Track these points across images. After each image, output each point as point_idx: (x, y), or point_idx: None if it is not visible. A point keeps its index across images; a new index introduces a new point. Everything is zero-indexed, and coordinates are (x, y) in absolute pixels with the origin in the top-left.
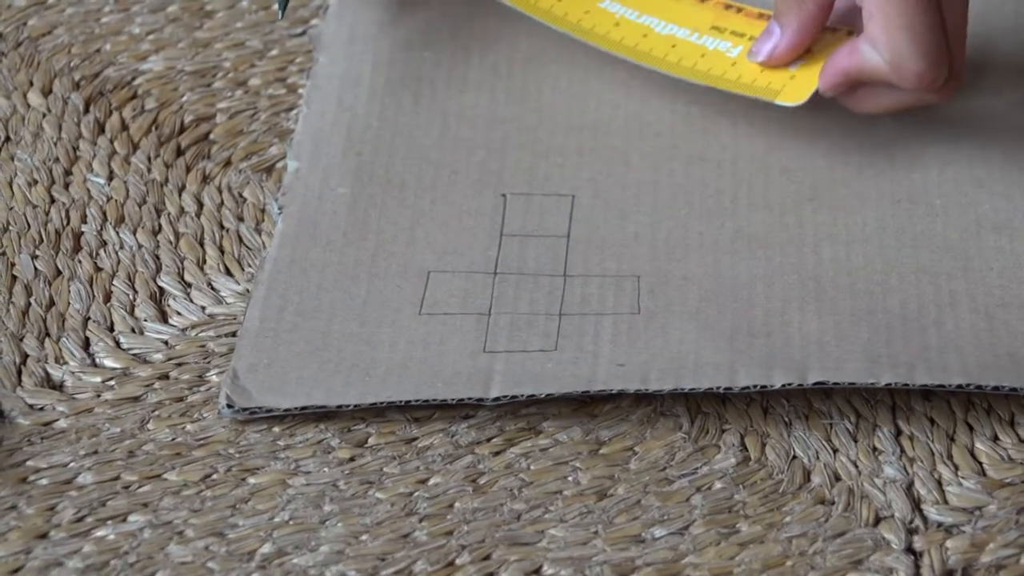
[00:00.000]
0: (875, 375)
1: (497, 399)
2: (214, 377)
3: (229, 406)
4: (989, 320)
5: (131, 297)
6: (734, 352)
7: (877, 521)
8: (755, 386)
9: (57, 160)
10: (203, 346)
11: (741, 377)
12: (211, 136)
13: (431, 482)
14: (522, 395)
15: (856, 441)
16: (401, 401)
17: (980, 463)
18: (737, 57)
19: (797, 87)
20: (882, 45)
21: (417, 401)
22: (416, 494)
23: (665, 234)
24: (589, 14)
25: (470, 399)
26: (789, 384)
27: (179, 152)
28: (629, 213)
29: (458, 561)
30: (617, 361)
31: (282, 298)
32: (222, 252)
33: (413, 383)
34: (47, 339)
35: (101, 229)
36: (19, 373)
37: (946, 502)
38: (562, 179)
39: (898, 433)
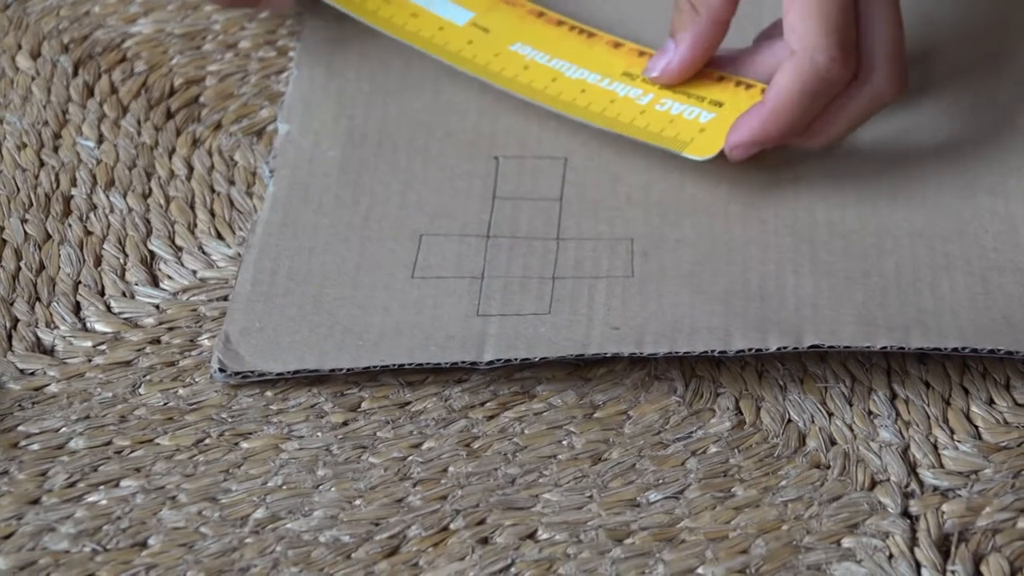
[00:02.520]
0: (870, 338)
1: (491, 363)
2: (206, 341)
3: (221, 370)
4: (984, 283)
5: (122, 261)
6: (729, 315)
7: (873, 485)
8: (750, 349)
9: (46, 123)
10: (194, 310)
11: (736, 340)
12: (201, 99)
13: (424, 446)
14: (516, 359)
15: (851, 405)
16: (394, 365)
17: (976, 427)
18: (647, 105)
19: (706, 141)
20: (797, 32)
21: (410, 365)
22: (410, 458)
23: (658, 196)
24: (499, 57)
25: (463, 363)
26: (784, 347)
27: (169, 115)
28: (622, 176)
29: (452, 526)
30: (611, 324)
31: (274, 262)
32: (213, 216)
33: (406, 347)
34: (37, 303)
35: (91, 193)
36: (9, 338)
37: (942, 466)
38: (555, 142)
39: (893, 397)
